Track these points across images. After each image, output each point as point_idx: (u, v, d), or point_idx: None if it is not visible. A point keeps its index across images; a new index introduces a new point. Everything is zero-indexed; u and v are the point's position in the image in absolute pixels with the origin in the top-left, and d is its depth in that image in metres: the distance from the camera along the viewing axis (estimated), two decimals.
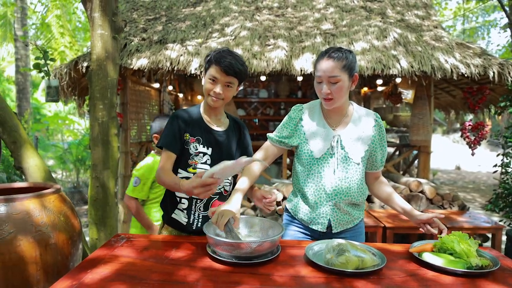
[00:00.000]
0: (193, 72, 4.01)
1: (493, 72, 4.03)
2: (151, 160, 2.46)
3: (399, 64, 4.04)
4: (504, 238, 3.88)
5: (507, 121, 7.50)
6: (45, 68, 3.08)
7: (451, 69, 4.03)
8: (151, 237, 1.62)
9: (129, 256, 1.37)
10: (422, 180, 4.42)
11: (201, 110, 1.74)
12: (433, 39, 4.55)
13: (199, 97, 7.52)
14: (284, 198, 3.90)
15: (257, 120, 7.62)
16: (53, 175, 8.09)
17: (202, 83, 1.69)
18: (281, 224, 1.50)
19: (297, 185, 1.74)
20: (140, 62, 4.01)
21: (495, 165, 4.52)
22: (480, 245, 4.07)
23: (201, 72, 4.02)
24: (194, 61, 4.06)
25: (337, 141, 1.64)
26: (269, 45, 4.35)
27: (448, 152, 17.22)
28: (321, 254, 1.36)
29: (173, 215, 1.72)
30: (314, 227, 1.67)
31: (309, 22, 4.96)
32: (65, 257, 1.75)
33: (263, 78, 4.62)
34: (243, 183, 1.60)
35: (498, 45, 16.71)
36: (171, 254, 1.40)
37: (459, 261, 1.31)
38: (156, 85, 6.07)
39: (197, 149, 1.67)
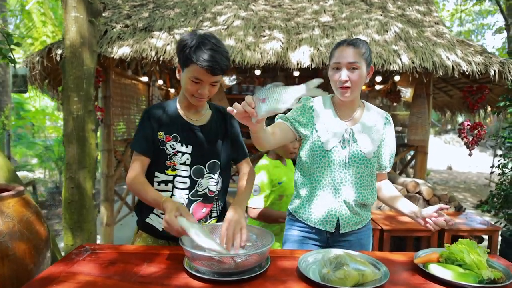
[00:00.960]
0: None
1: (494, 71, 3.89)
2: (266, 163, 2.25)
3: (400, 59, 3.86)
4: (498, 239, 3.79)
5: (506, 121, 7.45)
6: (10, 54, 2.81)
7: (453, 66, 3.87)
8: (121, 248, 1.42)
9: (90, 273, 1.17)
10: (419, 181, 4.31)
11: (178, 104, 1.54)
12: (435, 35, 4.39)
13: None
14: None
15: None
16: (34, 174, 7.90)
17: (178, 77, 1.47)
18: (271, 233, 1.33)
19: (304, 181, 1.64)
20: (122, 50, 3.73)
21: (492, 166, 4.43)
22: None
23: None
24: None
25: (350, 134, 1.57)
26: (264, 36, 4.13)
27: (440, 152, 17.32)
28: (317, 267, 1.23)
29: (148, 220, 1.53)
30: (321, 227, 1.58)
31: (307, 14, 4.75)
32: (27, 269, 1.56)
33: (257, 72, 4.39)
34: None
35: (493, 47, 16.80)
36: (142, 270, 1.21)
37: (469, 273, 1.21)
38: (145, 79, 5.80)
39: (174, 149, 1.48)
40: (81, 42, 2.56)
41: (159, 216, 1.53)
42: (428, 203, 4.07)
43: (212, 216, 1.60)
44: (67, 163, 2.65)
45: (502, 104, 3.97)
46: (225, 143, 1.60)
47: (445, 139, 20.52)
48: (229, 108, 1.10)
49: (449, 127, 21.36)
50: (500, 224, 4.04)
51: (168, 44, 3.86)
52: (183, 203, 1.49)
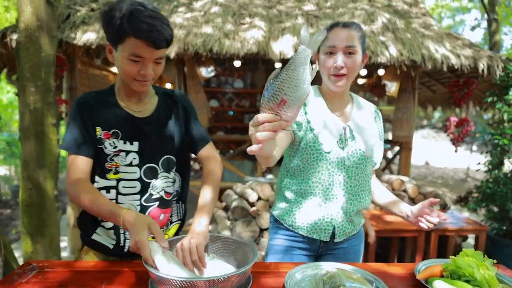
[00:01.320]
0: None
1: (483, 65, 3.77)
2: None
3: (388, 51, 3.68)
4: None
5: (480, 117, 7.49)
6: None
7: (442, 60, 3.72)
8: (75, 266, 1.19)
9: None
10: (404, 178, 4.19)
11: (115, 92, 1.26)
12: (422, 27, 4.25)
13: (168, 85, 6.91)
14: (259, 199, 3.53)
15: (232, 112, 7.12)
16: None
17: (110, 59, 1.19)
18: (253, 247, 1.14)
19: (294, 185, 1.46)
20: (86, 36, 3.41)
21: (479, 163, 4.35)
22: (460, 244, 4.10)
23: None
24: None
25: (349, 132, 1.41)
26: (244, 24, 3.90)
27: (417, 148, 17.62)
28: (306, 287, 1.07)
29: (95, 236, 1.27)
30: (315, 237, 1.42)
31: (289, 2, 4.55)
32: None
33: (237, 63, 4.14)
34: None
35: (475, 42, 17.14)
36: None
37: None
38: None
39: (115, 147, 1.22)
40: (37, 25, 2.35)
41: (108, 230, 1.27)
42: (413, 201, 3.95)
43: (173, 221, 1.37)
44: (24, 161, 2.46)
45: (489, 99, 3.87)
46: (179, 132, 1.34)
47: (422, 134, 20.91)
48: (252, 149, 0.79)
49: (425, 122, 21.78)
50: (486, 223, 4.00)
51: None
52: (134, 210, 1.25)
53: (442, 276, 1.15)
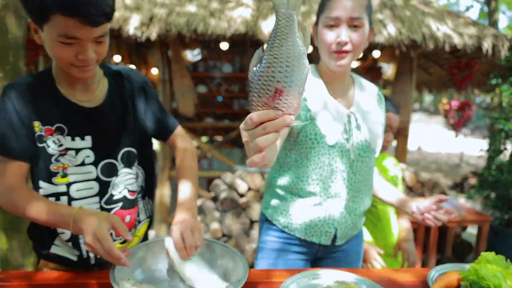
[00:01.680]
0: (131, 32, 3.23)
1: (487, 44, 3.54)
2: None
3: (386, 30, 3.43)
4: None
5: (473, 101, 7.35)
6: None
7: (443, 39, 3.49)
8: (35, 278, 1.03)
9: None
10: (402, 166, 4.01)
11: (54, 77, 1.03)
12: (422, 3, 4.00)
13: (155, 70, 6.58)
14: (249, 189, 3.39)
15: (221, 98, 6.86)
16: None
17: (38, 41, 0.94)
18: (243, 258, 1.00)
19: (290, 183, 1.29)
20: None
21: (481, 150, 4.20)
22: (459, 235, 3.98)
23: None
24: (133, 18, 3.29)
25: (354, 120, 1.24)
26: (230, 2, 3.67)
27: (409, 132, 17.62)
28: None
29: (54, 249, 1.09)
30: (314, 240, 1.29)
31: None
32: None
33: (224, 45, 3.90)
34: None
35: None
36: None
37: None
38: None
39: (61, 145, 1.00)
40: (2, 4, 2.23)
41: (66, 244, 1.07)
42: (411, 189, 3.84)
43: (141, 219, 1.20)
44: None
45: (494, 82, 3.66)
46: (139, 119, 1.15)
47: (414, 118, 20.93)
48: (254, 160, 0.58)
49: (417, 106, 21.76)
50: (488, 211, 3.87)
51: (117, 10, 3.29)
52: None
53: (459, 286, 1.02)
